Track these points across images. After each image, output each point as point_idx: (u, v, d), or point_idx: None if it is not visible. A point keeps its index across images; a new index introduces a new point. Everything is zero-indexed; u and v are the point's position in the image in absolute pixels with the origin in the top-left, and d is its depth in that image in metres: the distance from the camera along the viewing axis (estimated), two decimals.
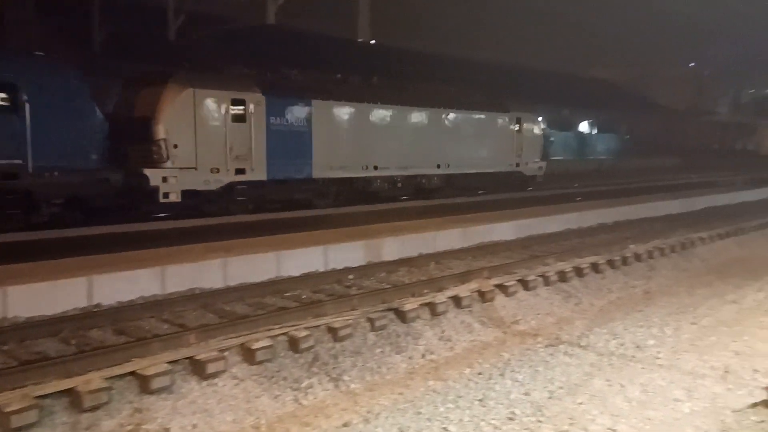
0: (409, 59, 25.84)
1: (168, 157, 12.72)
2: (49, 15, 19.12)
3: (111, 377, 5.31)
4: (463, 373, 6.56)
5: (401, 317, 7.53)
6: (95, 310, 7.12)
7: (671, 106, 36.35)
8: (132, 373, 5.43)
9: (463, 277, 9.04)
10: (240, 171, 13.86)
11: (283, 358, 6.29)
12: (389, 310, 7.60)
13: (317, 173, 15.38)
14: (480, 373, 6.52)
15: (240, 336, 6.28)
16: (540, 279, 9.44)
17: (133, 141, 12.70)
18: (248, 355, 6.07)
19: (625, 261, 11.10)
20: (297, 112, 14.96)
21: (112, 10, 20.04)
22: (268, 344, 6.21)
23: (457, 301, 8.21)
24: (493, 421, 5.39)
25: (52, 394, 5.03)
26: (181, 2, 19.17)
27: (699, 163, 37.77)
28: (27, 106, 10.76)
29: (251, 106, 13.98)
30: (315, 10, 23.49)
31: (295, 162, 14.88)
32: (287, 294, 8.24)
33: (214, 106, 13.46)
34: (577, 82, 30.89)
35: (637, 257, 11.43)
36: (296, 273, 9.06)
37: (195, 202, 13.28)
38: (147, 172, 12.46)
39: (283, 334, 6.51)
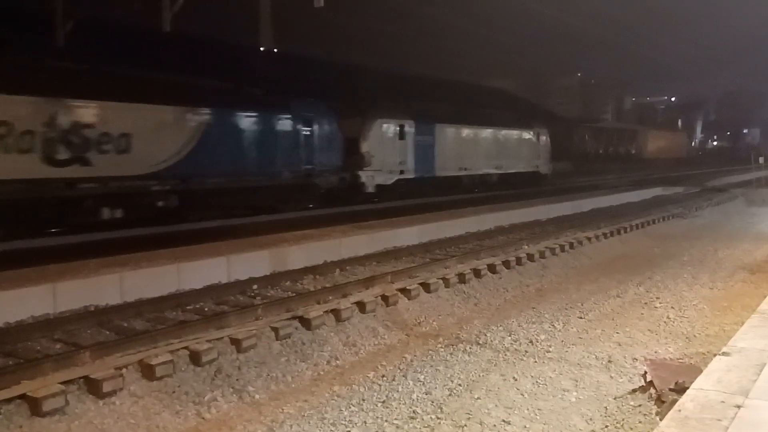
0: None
1: (369, 163, 19.02)
2: None
3: None
4: (368, 376, 6.70)
5: (306, 325, 7.58)
6: None
7: (561, 113, 38.51)
8: (22, 396, 5.18)
9: (368, 283, 9.22)
10: (401, 172, 20.52)
11: (184, 373, 6.19)
12: (294, 318, 7.63)
13: (438, 173, 22.17)
14: (384, 376, 6.69)
15: (138, 352, 6.13)
16: (441, 281, 9.74)
17: (349, 153, 18.66)
18: (147, 371, 5.93)
19: (519, 261, 11.64)
20: (428, 132, 21.75)
21: None
22: (168, 359, 6.09)
23: (361, 306, 8.34)
24: (395, 421, 5.57)
25: None
26: (71, 7, 18.26)
27: (587, 168, 40.01)
28: (316, 132, 17.15)
29: (407, 128, 20.74)
30: (214, 17, 23.10)
31: (427, 165, 21.62)
32: (189, 307, 8.10)
33: (390, 129, 20.29)
34: (472, 90, 32.31)
35: (531, 257, 12.02)
36: (198, 285, 8.90)
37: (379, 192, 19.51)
38: (359, 173, 18.86)
39: (184, 348, 6.41)
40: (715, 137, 73.45)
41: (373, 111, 19.79)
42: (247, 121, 15.49)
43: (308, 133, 16.93)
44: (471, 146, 23.92)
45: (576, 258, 13.06)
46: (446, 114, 23.50)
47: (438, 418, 5.59)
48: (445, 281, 9.82)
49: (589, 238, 14.33)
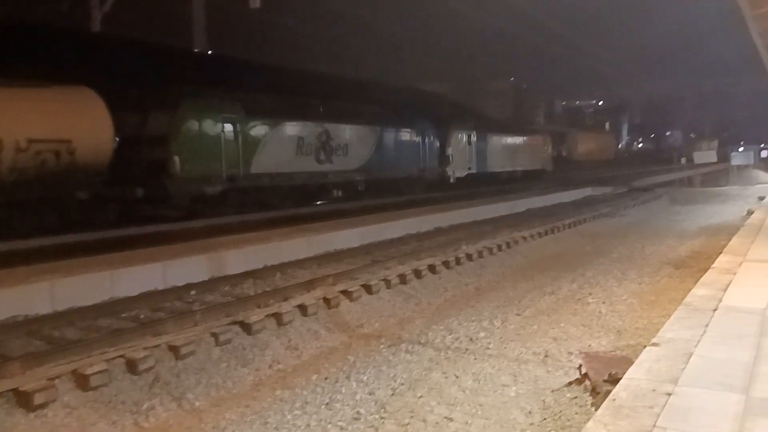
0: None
1: (450, 162, 25.57)
2: None
3: None
4: (311, 379, 6.68)
5: (247, 330, 7.48)
6: None
7: (495, 116, 39.39)
8: None
9: (309, 286, 9.15)
10: (469, 168, 27.02)
11: (120, 381, 6.01)
12: (234, 323, 7.52)
13: (489, 169, 28.64)
14: (327, 378, 6.68)
15: (71, 362, 5.90)
16: (382, 283, 9.79)
17: (438, 155, 25.34)
18: (81, 381, 5.73)
19: (458, 261, 11.83)
20: (483, 140, 28.25)
21: None
22: (103, 368, 5.90)
23: (303, 309, 8.31)
24: (339, 423, 5.57)
25: None
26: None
27: None
28: (426, 141, 24.30)
29: (472, 137, 27.25)
30: (146, 18, 22.49)
31: (484, 164, 28.19)
32: (123, 315, 7.86)
33: (462, 138, 26.76)
34: (406, 93, 33.15)
35: (469, 257, 12.23)
36: (133, 292, 8.65)
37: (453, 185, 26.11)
38: (446, 169, 25.50)
39: (120, 356, 6.22)
40: (641, 139, 76.66)
41: (453, 124, 26.49)
42: (396, 134, 22.93)
43: (423, 142, 24.20)
44: (508, 150, 30.91)
45: (512, 257, 13.38)
46: (493, 125, 31.55)
47: (381, 418, 5.62)
48: (387, 282, 9.88)
49: (524, 238, 14.71)
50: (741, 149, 37.90)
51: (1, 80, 11.87)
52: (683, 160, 33.31)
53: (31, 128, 12.02)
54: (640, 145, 75.70)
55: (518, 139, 32.61)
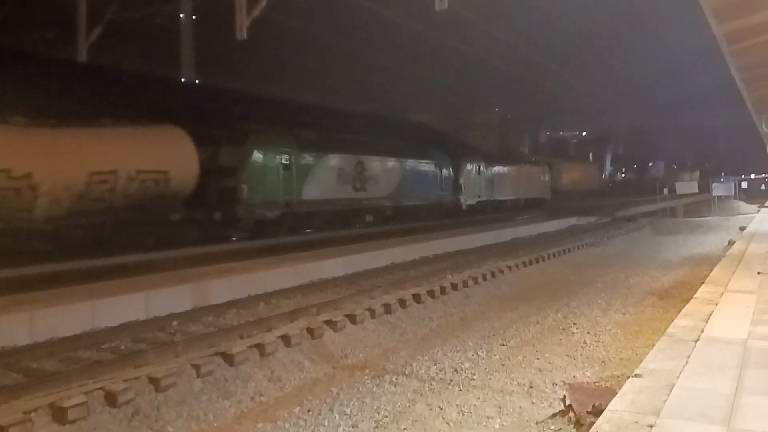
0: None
1: (463, 191, 28.02)
2: None
3: None
4: (293, 411, 6.59)
5: (229, 361, 7.40)
6: None
7: (481, 146, 39.82)
8: None
9: (293, 316, 9.09)
10: (479, 196, 29.51)
11: (99, 414, 5.90)
12: (216, 354, 7.44)
13: (497, 197, 31.36)
14: (309, 411, 6.60)
15: (49, 395, 5.79)
16: (367, 312, 9.75)
17: (452, 186, 27.75)
18: (59, 414, 5.62)
19: (443, 291, 11.82)
20: (491, 170, 30.84)
21: None
22: (81, 401, 5.79)
23: (286, 339, 8.24)
24: None
25: None
26: None
27: None
28: (443, 172, 26.87)
29: (481, 168, 29.81)
30: (133, 49, 22.62)
31: (491, 192, 30.74)
32: (104, 346, 7.75)
33: (473, 169, 29.26)
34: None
35: (454, 287, 12.23)
36: (114, 323, 8.54)
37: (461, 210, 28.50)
38: (460, 197, 27.95)
39: (99, 388, 6.11)
40: (624, 170, 77.64)
41: (464, 156, 29.00)
42: (418, 165, 25.47)
43: (440, 172, 26.71)
44: (512, 179, 33.44)
45: (497, 287, 13.39)
46: (499, 157, 33.95)
47: None
48: (371, 312, 9.83)
49: (509, 267, 14.74)
50: (722, 180, 38.43)
51: (115, 120, 14.10)
52: (666, 191, 33.61)
53: (139, 161, 14.16)
54: (624, 176, 76.61)
55: (521, 170, 35.30)
